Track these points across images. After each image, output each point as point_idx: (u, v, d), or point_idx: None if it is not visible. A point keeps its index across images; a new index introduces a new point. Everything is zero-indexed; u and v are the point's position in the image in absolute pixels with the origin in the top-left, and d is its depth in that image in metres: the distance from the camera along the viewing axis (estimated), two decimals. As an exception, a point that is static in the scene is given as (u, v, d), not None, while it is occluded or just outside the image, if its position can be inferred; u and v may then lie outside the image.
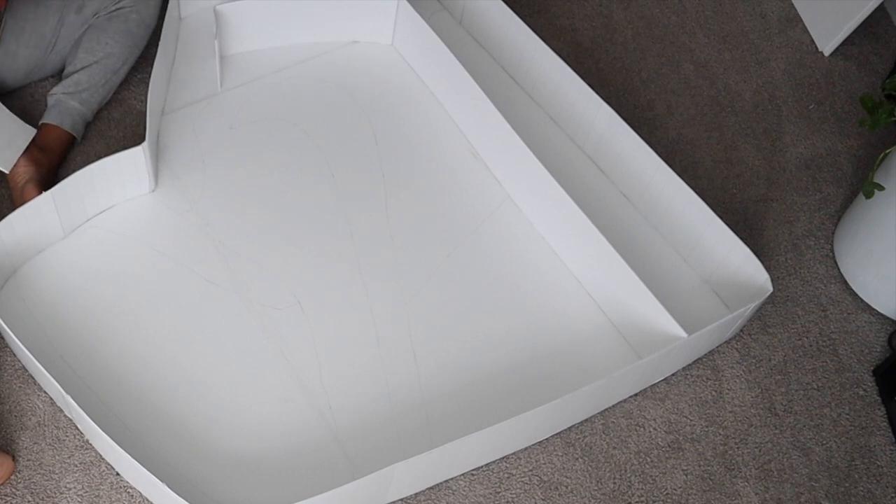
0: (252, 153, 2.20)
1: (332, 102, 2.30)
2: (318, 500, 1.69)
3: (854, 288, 2.20)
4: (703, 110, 2.46)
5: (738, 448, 1.98)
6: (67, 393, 1.74)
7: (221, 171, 2.16)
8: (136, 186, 2.07)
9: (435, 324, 2.02)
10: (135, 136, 2.21)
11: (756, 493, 1.93)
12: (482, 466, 1.89)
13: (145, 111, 2.23)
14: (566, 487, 1.89)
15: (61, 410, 1.85)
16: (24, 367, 1.89)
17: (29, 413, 1.85)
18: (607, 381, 1.86)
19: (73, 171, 2.03)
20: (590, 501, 1.89)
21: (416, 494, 1.85)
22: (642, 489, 1.91)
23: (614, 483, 1.91)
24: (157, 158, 2.14)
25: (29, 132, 2.09)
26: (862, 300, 2.20)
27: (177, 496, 1.67)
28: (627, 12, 2.62)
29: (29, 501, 1.76)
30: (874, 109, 2.00)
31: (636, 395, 2.01)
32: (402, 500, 1.84)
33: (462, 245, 2.13)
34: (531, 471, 1.90)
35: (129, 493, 1.79)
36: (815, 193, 2.35)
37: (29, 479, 1.78)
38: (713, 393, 2.03)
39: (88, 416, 1.73)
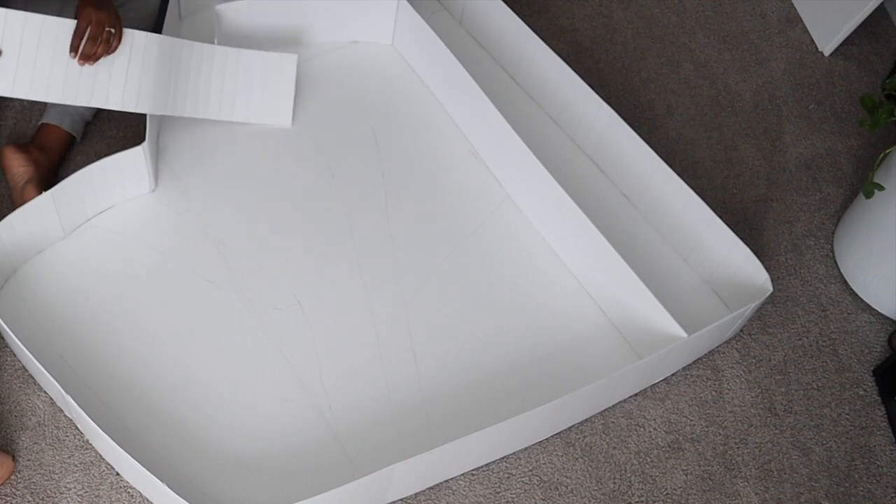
0: (252, 153, 2.20)
1: (332, 102, 2.30)
2: (318, 500, 1.69)
3: (854, 288, 2.20)
4: (703, 110, 2.46)
5: (738, 448, 1.98)
6: (67, 393, 1.74)
7: (221, 171, 2.16)
8: (136, 186, 2.07)
9: (435, 324, 2.02)
10: (135, 136, 2.21)
11: (756, 493, 1.93)
12: (482, 466, 1.89)
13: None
14: (566, 487, 1.89)
15: (61, 410, 1.85)
16: (24, 367, 1.89)
17: (29, 413, 1.85)
18: (607, 381, 1.86)
19: (73, 171, 2.03)
20: (590, 501, 1.88)
21: (416, 494, 1.85)
22: (642, 489, 1.91)
23: (614, 483, 1.91)
24: (157, 158, 2.14)
25: None
26: (862, 300, 2.20)
27: (177, 496, 1.67)
28: (627, 12, 2.62)
29: (29, 501, 1.76)
30: (874, 109, 2.00)
31: (636, 395, 2.01)
32: (402, 500, 1.84)
33: (462, 245, 2.13)
34: (531, 471, 1.90)
35: (129, 493, 1.79)
36: (815, 193, 2.35)
37: (29, 479, 1.78)
38: (713, 393, 2.03)
39: (88, 416, 1.73)
